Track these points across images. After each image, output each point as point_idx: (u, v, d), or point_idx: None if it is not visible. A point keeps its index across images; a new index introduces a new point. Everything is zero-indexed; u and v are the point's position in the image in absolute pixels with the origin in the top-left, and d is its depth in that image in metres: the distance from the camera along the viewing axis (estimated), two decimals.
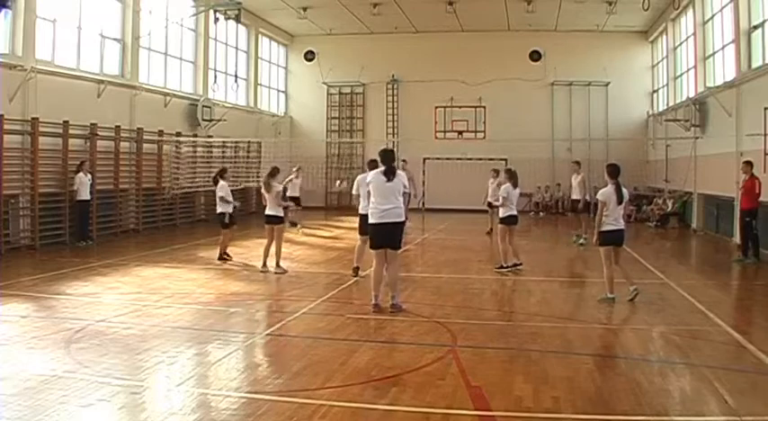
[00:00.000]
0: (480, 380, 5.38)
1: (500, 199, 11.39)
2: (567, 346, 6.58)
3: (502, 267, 11.19)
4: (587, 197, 15.12)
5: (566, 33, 24.82)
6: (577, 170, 15.45)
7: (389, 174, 8.02)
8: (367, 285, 9.83)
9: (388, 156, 8.25)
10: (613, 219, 8.55)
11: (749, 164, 12.34)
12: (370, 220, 8.15)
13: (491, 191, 15.50)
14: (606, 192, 8.58)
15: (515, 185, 11.38)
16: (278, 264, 10.92)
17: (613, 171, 8.72)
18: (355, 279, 10.25)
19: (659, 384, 5.41)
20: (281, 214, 11.22)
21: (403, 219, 8.14)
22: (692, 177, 18.48)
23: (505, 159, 20.36)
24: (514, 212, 11.37)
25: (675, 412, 4.81)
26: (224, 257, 12.12)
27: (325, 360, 5.98)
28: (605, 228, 8.55)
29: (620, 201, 8.56)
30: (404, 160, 18.48)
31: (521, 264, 11.27)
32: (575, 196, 15.59)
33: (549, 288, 10.22)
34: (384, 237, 8.06)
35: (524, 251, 12.02)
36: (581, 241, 14.68)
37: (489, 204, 15.57)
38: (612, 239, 8.60)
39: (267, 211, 11.10)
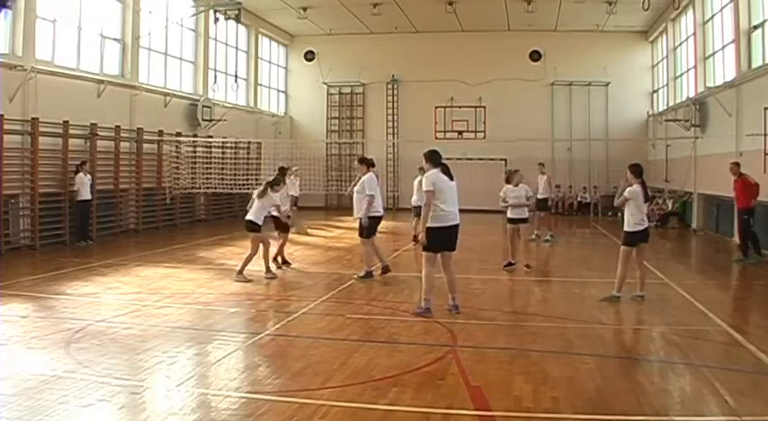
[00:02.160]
0: (480, 380, 5.38)
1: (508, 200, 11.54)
2: (567, 346, 6.57)
3: (510, 264, 11.30)
4: (549, 195, 16.28)
5: (566, 33, 24.81)
6: (542, 170, 16.11)
7: (449, 172, 7.83)
8: (369, 286, 9.86)
9: (440, 156, 7.92)
10: (640, 218, 8.64)
11: (737, 164, 12.57)
12: (436, 224, 7.63)
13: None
14: (634, 191, 8.65)
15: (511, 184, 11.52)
16: (241, 272, 10.06)
17: (637, 170, 8.81)
18: (372, 278, 10.14)
19: (659, 384, 5.41)
20: (261, 222, 10.23)
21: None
22: (692, 177, 18.50)
23: (505, 159, 20.36)
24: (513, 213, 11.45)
25: (675, 412, 4.81)
26: (287, 262, 11.49)
27: (326, 360, 5.97)
28: (634, 228, 8.59)
29: (646, 199, 8.71)
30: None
31: (515, 264, 11.30)
32: (540, 196, 15.84)
33: (549, 288, 10.23)
34: (447, 240, 7.80)
35: (523, 251, 11.99)
36: (547, 237, 15.34)
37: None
38: (640, 238, 8.69)
39: (248, 216, 10.27)
